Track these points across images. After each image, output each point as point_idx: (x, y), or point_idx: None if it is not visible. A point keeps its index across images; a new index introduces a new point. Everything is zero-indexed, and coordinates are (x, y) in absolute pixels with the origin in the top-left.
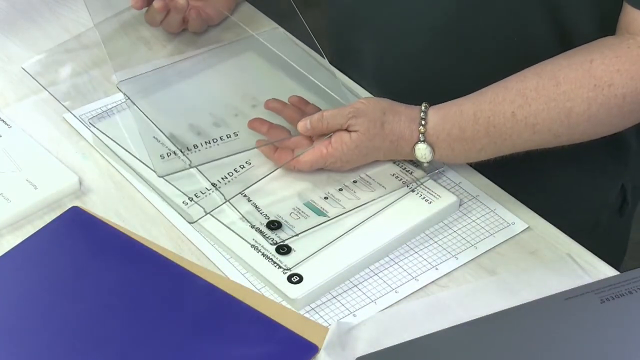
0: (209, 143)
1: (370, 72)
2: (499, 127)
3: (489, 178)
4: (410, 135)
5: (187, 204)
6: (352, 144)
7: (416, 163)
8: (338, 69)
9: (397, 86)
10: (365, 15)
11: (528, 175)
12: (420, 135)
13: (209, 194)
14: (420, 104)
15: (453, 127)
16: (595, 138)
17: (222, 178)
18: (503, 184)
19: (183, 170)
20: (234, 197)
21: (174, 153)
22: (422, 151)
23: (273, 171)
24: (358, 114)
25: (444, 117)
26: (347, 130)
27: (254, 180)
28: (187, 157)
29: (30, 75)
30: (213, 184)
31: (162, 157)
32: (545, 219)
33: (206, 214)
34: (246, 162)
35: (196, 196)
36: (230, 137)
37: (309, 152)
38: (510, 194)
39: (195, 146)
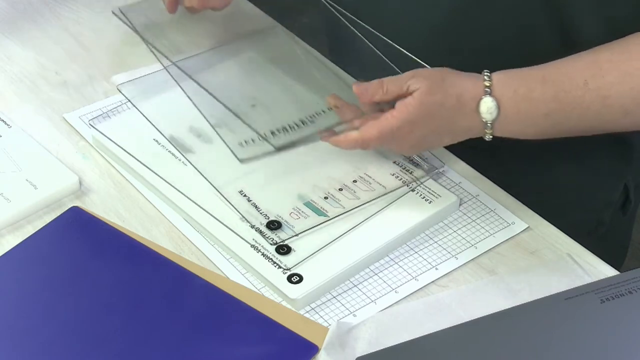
0: (287, 130)
1: (368, 66)
2: (569, 92)
3: (489, 178)
4: (474, 88)
5: (243, 145)
6: (415, 102)
7: (415, 164)
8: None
9: None
10: (366, 15)
11: (530, 175)
12: (486, 88)
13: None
14: None
15: (520, 85)
16: None
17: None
18: (503, 184)
19: (266, 154)
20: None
21: (252, 140)
22: (488, 104)
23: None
24: (417, 74)
25: (511, 76)
26: (408, 94)
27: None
28: (269, 142)
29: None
30: (272, 132)
31: (240, 144)
32: (548, 218)
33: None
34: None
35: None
36: (306, 123)
37: (374, 122)
38: (512, 194)
39: (272, 132)
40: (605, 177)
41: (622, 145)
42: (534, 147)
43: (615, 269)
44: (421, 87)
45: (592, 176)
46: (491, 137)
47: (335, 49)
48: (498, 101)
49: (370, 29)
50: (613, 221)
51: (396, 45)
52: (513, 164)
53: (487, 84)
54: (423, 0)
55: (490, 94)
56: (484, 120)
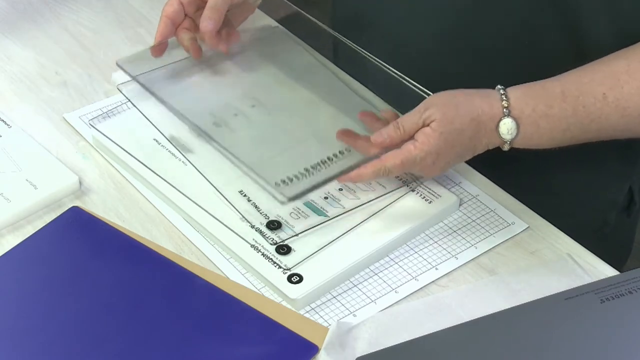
0: (300, 177)
1: (376, 76)
2: (588, 107)
3: (490, 179)
4: (491, 109)
5: (279, 185)
6: (436, 133)
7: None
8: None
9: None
10: (372, 18)
11: (535, 176)
12: (505, 109)
13: (301, 178)
14: None
15: (539, 103)
16: None
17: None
18: (507, 185)
19: (307, 191)
20: (326, 181)
21: (290, 180)
22: (509, 125)
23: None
24: (429, 105)
25: (528, 93)
26: (425, 125)
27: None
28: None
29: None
30: (306, 169)
31: (277, 184)
32: (553, 218)
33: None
34: (343, 150)
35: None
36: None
37: (397, 151)
38: (518, 195)
39: (283, 181)
40: (611, 178)
41: (627, 147)
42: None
43: (618, 269)
44: (437, 117)
45: (598, 178)
46: (508, 148)
47: (340, 52)
48: (517, 121)
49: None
50: (617, 222)
51: (396, 75)
52: (517, 165)
53: (505, 105)
54: (431, 6)
55: (509, 115)
56: (504, 139)
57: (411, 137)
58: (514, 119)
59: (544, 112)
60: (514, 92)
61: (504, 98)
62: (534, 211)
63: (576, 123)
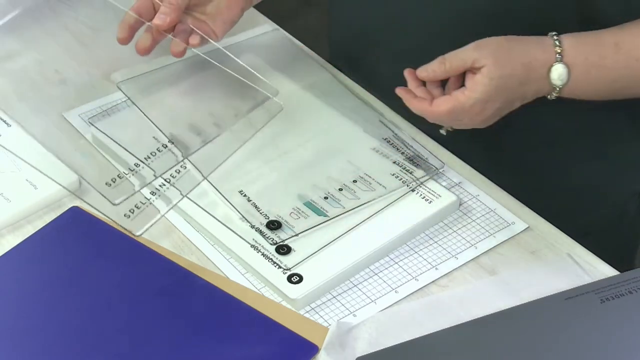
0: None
1: (386, 90)
2: None
3: (504, 178)
4: (544, 54)
5: (132, 213)
6: (486, 79)
7: (415, 164)
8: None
9: None
10: (377, 38)
11: (536, 176)
12: (558, 55)
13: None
14: None
15: (592, 52)
16: None
17: (161, 185)
18: (508, 186)
19: (134, 193)
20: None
21: (119, 177)
22: (560, 71)
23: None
24: (480, 46)
25: (581, 41)
26: (474, 68)
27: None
28: (132, 180)
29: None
30: (156, 189)
31: (108, 184)
32: (553, 219)
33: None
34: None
35: (141, 203)
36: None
37: (447, 98)
38: (518, 195)
39: (136, 165)
40: (630, 170)
41: (630, 147)
42: (552, 146)
43: (627, 264)
44: (488, 62)
45: (615, 170)
46: (555, 97)
47: (336, 54)
48: (569, 68)
49: None
50: (637, 212)
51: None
52: (518, 165)
53: (559, 50)
54: (428, 10)
55: (561, 61)
56: (554, 85)
57: (457, 77)
58: (566, 65)
59: (597, 62)
60: (568, 39)
61: (557, 44)
62: (534, 211)
63: (627, 76)
